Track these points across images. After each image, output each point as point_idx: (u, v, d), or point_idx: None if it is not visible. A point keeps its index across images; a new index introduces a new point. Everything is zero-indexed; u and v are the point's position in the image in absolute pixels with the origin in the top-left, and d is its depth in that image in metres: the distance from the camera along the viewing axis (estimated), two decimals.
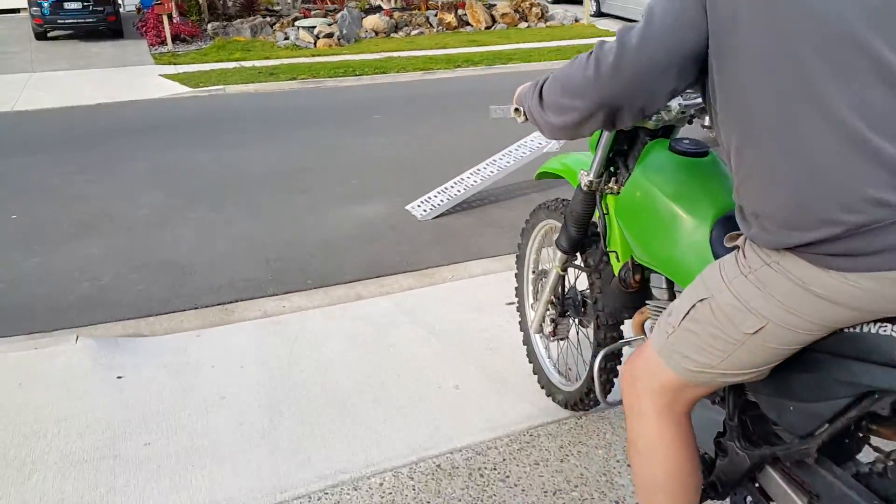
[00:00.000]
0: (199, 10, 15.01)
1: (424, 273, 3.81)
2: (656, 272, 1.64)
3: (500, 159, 4.76)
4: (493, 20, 16.32)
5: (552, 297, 2.15)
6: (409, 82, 10.24)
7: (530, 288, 2.53)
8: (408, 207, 4.74)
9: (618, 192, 1.71)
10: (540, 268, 2.38)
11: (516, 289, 2.59)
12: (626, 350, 2.00)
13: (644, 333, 1.81)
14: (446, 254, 4.05)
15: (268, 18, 15.23)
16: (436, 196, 4.67)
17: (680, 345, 1.27)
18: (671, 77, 1.14)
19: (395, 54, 12.33)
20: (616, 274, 1.79)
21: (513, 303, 3.26)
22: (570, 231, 1.91)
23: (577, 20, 16.69)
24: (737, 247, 1.23)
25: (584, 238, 1.93)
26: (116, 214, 4.82)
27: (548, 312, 2.18)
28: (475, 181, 4.64)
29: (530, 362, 2.54)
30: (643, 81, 1.14)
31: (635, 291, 1.76)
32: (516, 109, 1.56)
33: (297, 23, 14.47)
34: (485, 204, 4.81)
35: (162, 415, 2.46)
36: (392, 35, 15.03)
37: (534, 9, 16.65)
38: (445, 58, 11.82)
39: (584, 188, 1.79)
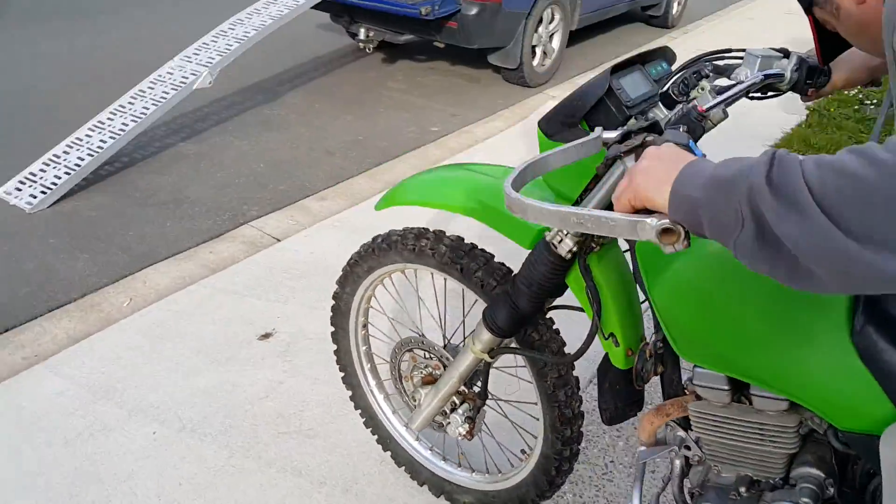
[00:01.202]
0: None
1: (82, 305, 2.47)
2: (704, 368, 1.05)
3: (132, 104, 3.35)
4: None
5: (462, 389, 1.39)
6: None
7: (363, 349, 1.67)
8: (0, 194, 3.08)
9: (598, 249, 1.11)
10: (400, 337, 1.53)
11: (336, 352, 1.69)
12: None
13: (655, 441, 1.25)
14: (99, 263, 2.72)
15: None
16: (43, 171, 3.10)
17: None
18: None
19: None
20: (616, 363, 1.19)
21: (269, 334, 2.30)
22: (522, 305, 1.20)
23: None
24: None
25: (535, 315, 1.23)
26: None
27: (460, 409, 1.40)
28: (102, 140, 3.19)
29: (385, 450, 1.72)
30: None
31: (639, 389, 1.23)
32: (667, 230, 0.76)
33: None
34: (119, 170, 3.40)
35: None
36: None
37: None
38: None
39: (564, 254, 1.08)
